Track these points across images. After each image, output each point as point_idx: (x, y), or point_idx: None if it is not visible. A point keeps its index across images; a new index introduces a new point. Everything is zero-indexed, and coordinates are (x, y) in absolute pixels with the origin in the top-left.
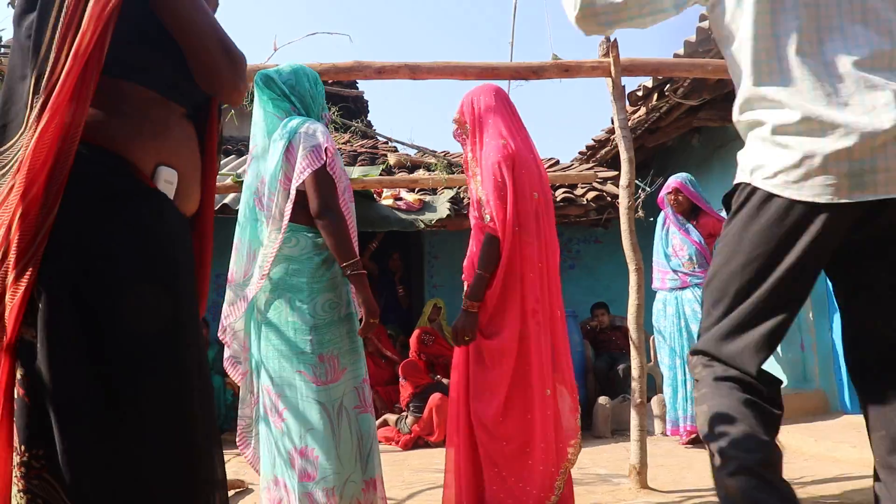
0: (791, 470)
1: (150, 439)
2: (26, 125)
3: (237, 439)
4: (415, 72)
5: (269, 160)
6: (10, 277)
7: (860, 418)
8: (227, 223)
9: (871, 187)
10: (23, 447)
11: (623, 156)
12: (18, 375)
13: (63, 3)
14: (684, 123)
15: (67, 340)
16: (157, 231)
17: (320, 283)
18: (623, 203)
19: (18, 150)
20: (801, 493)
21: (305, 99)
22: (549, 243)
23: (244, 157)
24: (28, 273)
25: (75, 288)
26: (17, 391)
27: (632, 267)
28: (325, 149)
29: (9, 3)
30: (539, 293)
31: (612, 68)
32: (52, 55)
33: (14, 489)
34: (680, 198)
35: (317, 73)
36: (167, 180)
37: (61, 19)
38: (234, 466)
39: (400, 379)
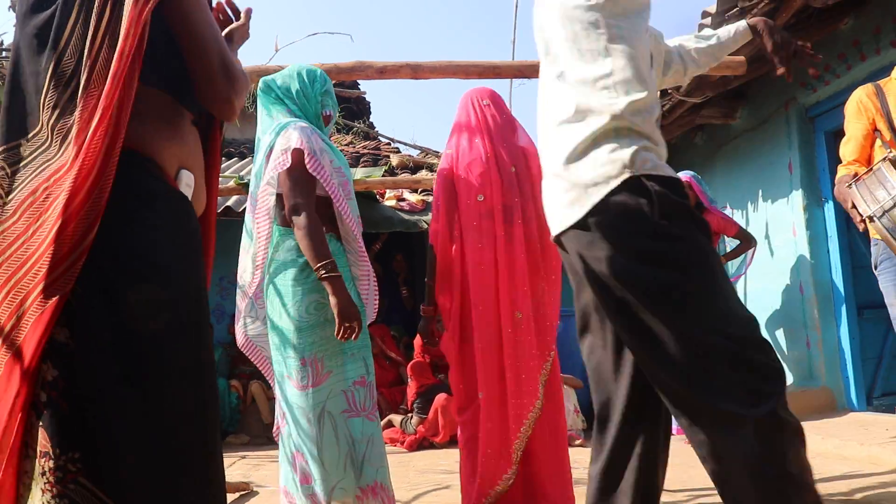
0: None
1: (179, 437)
2: (44, 124)
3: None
4: (416, 71)
5: (255, 165)
6: (35, 295)
7: (867, 416)
8: (230, 225)
9: None
10: (57, 450)
11: None
12: (50, 378)
13: (90, 3)
14: (687, 121)
15: (104, 343)
16: (187, 231)
17: (305, 285)
18: None
19: (41, 147)
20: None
21: (299, 99)
22: (514, 243)
23: (247, 160)
24: (55, 297)
25: (110, 287)
26: (51, 394)
27: None
28: (293, 150)
29: (10, 7)
30: (483, 292)
31: None
32: (86, 56)
33: (44, 496)
34: (689, 194)
35: (316, 71)
36: (187, 183)
37: (92, 19)
38: (241, 469)
39: (409, 379)
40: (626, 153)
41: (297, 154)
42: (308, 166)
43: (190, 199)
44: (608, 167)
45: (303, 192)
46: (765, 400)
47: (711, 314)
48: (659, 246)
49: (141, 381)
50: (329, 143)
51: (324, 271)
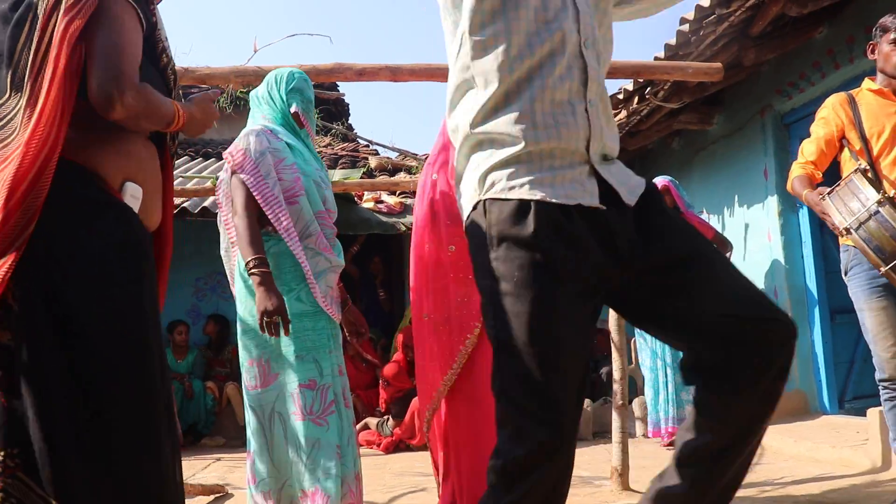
0: (771, 470)
1: (121, 438)
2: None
3: None
4: (396, 74)
5: None
6: None
7: (840, 419)
8: (206, 226)
9: None
10: None
11: None
12: None
13: (33, 24)
14: (664, 126)
15: (44, 343)
16: (126, 241)
17: (251, 288)
18: None
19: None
20: (780, 493)
21: (268, 101)
22: (441, 245)
23: (223, 161)
24: (2, 273)
25: (49, 292)
26: None
27: None
28: (236, 152)
29: None
30: (431, 300)
31: None
32: (28, 73)
33: None
34: (666, 198)
35: (285, 71)
36: (133, 195)
37: (34, 35)
38: (216, 471)
39: (381, 382)
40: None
41: (239, 156)
42: (241, 169)
43: (136, 210)
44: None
45: (238, 193)
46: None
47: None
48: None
49: (80, 381)
50: (297, 140)
51: (251, 265)
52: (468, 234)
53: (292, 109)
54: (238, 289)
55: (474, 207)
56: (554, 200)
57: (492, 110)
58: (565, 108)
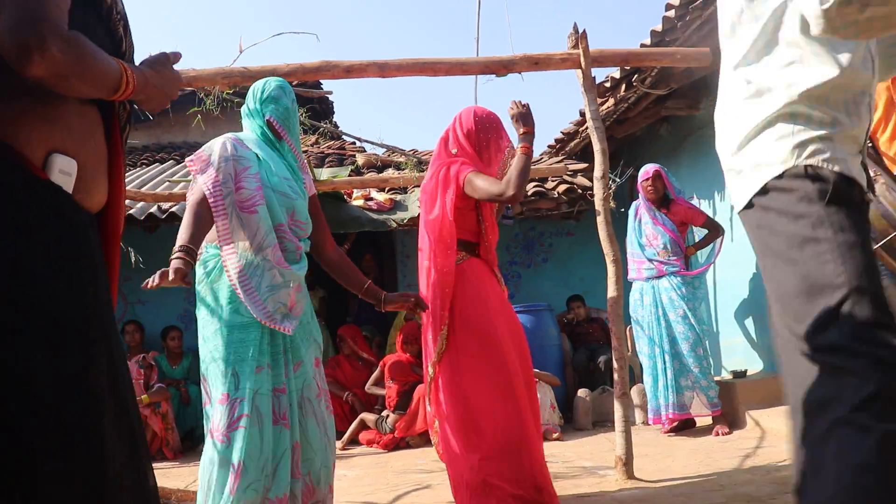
0: (774, 453)
1: (56, 449)
2: None
3: None
4: (384, 70)
5: None
6: None
7: None
8: None
9: None
10: None
11: (596, 147)
12: None
13: None
14: (652, 113)
15: None
16: (50, 228)
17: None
18: (598, 194)
19: None
20: (785, 475)
21: (247, 115)
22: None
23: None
24: None
25: None
26: None
27: (609, 258)
28: (194, 158)
29: None
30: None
31: (582, 60)
32: None
33: None
34: (658, 184)
35: (265, 81)
36: (63, 170)
37: None
38: None
39: (387, 381)
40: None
41: (200, 161)
42: (201, 173)
43: (69, 188)
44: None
45: (193, 193)
46: None
47: None
48: None
49: (7, 391)
50: (271, 151)
51: (174, 250)
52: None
53: (266, 118)
54: (205, 297)
55: (781, 175)
56: (861, 182)
57: (821, 91)
58: (862, 98)
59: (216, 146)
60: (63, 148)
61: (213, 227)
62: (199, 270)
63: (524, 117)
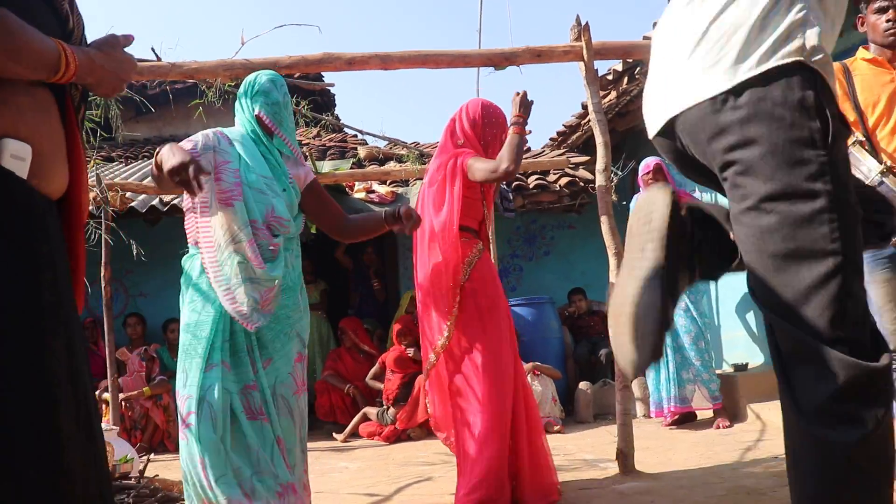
0: (774, 446)
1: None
2: None
3: None
4: (386, 62)
5: None
6: None
7: None
8: None
9: None
10: None
11: (598, 140)
12: None
13: None
14: None
15: None
16: (2, 215)
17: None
18: (600, 187)
19: None
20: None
21: (238, 110)
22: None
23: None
24: None
25: None
26: None
27: (611, 251)
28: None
29: None
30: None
31: (585, 52)
32: None
33: None
34: (658, 177)
35: (253, 75)
36: (15, 155)
37: None
38: None
39: (387, 373)
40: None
41: (186, 145)
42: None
43: (23, 174)
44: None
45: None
46: None
47: None
48: None
49: None
50: (258, 148)
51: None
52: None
53: (255, 112)
54: (189, 293)
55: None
56: None
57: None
58: None
59: (199, 137)
60: (14, 131)
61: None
62: (185, 274)
63: (526, 107)
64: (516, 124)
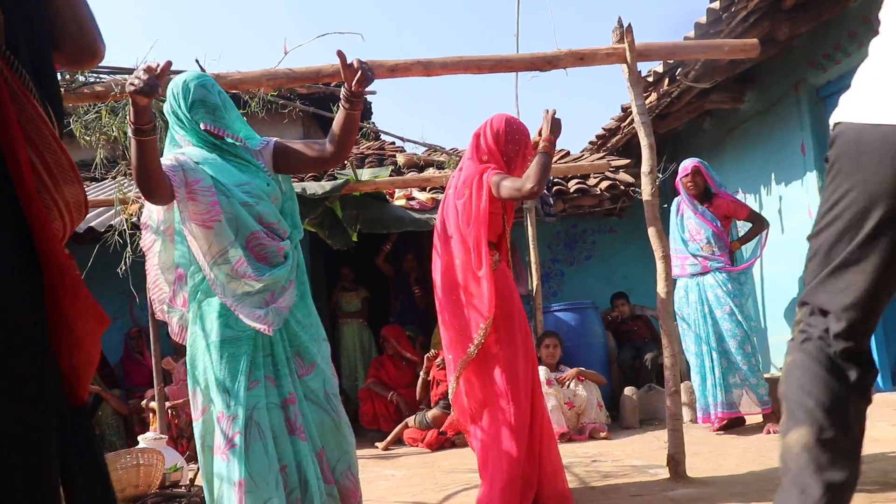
0: None
1: None
2: None
3: None
4: (428, 68)
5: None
6: None
7: (895, 396)
8: None
9: None
10: None
11: (643, 142)
12: None
13: None
14: (695, 107)
15: None
16: None
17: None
18: (646, 190)
19: None
20: None
21: (177, 123)
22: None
23: None
24: None
25: None
26: None
27: (658, 254)
28: None
29: None
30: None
31: (628, 54)
32: None
33: None
34: (698, 179)
35: (182, 84)
36: None
37: None
38: None
39: (433, 382)
40: None
41: None
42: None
43: None
44: None
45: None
46: None
47: None
48: None
49: None
50: (217, 155)
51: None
52: None
53: (202, 127)
54: (191, 316)
55: None
56: None
57: None
58: None
59: (171, 155)
60: None
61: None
62: (190, 288)
63: (556, 126)
64: (547, 143)
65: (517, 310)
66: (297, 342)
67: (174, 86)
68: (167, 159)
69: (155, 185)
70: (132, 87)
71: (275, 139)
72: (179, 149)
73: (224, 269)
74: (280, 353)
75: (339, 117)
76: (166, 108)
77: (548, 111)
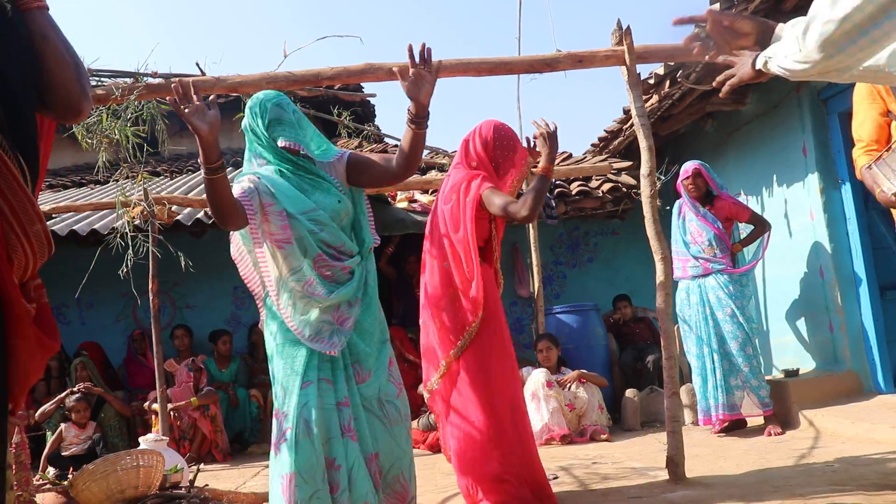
0: (830, 453)
1: None
2: None
3: None
4: None
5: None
6: None
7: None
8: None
9: None
10: None
11: (643, 144)
12: None
13: None
14: (697, 109)
15: None
16: None
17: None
18: (645, 192)
19: None
20: (843, 475)
21: (254, 136)
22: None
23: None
24: None
25: None
26: None
27: (657, 256)
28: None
29: None
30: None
31: (627, 56)
32: None
33: None
34: (699, 182)
35: (259, 102)
36: None
37: None
38: (263, 479)
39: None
40: None
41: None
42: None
43: None
44: None
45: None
46: None
47: None
48: None
49: None
50: (295, 172)
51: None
52: None
53: (280, 144)
54: (265, 318)
55: None
56: None
57: None
58: None
59: (246, 180)
60: None
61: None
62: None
63: (551, 138)
64: (547, 163)
65: (493, 312)
66: (356, 352)
67: (252, 104)
68: (244, 181)
69: (228, 215)
70: (189, 114)
71: (349, 151)
72: (254, 170)
73: (296, 286)
74: (338, 359)
75: (405, 135)
76: (244, 124)
77: (543, 128)
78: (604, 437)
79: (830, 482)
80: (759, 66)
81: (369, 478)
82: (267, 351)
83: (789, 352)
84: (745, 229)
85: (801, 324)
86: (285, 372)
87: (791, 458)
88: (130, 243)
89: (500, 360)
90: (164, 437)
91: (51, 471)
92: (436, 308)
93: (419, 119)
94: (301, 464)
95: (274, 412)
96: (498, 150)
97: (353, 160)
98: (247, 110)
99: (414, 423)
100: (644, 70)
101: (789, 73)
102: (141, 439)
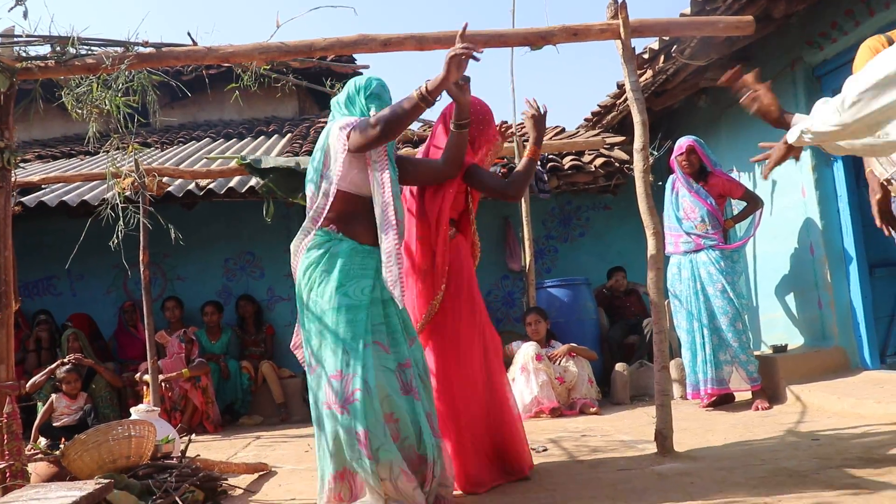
0: (815, 427)
1: None
2: None
3: None
4: (422, 43)
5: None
6: None
7: (881, 374)
8: (232, 207)
9: None
10: None
11: (636, 119)
12: None
13: None
14: (691, 84)
15: None
16: None
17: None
18: (638, 167)
19: None
20: (829, 449)
21: (348, 108)
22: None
23: (245, 140)
24: None
25: None
26: None
27: (649, 231)
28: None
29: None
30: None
31: (622, 30)
32: None
33: None
34: (693, 158)
35: (367, 81)
36: None
37: None
38: (255, 450)
39: None
40: None
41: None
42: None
43: None
44: None
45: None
46: None
47: None
48: None
49: None
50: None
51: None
52: None
53: (371, 113)
54: (307, 279)
55: None
56: None
57: None
58: None
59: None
60: None
61: (328, 209)
62: (313, 255)
63: (539, 121)
64: (535, 146)
65: (465, 284)
66: (404, 316)
67: (356, 80)
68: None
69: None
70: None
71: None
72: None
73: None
74: (395, 322)
75: (450, 140)
76: (341, 98)
77: (534, 109)
78: (593, 410)
79: (816, 455)
80: (791, 140)
81: (430, 431)
82: (310, 311)
83: (778, 327)
84: (737, 205)
85: (791, 300)
86: (348, 334)
87: (778, 432)
88: (121, 214)
89: (468, 329)
90: (156, 408)
91: (42, 441)
92: (412, 276)
93: (460, 123)
94: (371, 422)
95: (333, 374)
96: (474, 126)
97: (401, 161)
98: (352, 84)
99: None
100: (639, 45)
101: (823, 137)
102: (132, 410)
